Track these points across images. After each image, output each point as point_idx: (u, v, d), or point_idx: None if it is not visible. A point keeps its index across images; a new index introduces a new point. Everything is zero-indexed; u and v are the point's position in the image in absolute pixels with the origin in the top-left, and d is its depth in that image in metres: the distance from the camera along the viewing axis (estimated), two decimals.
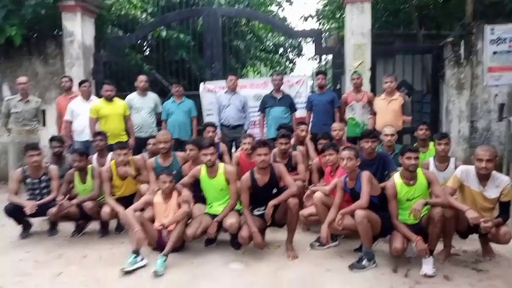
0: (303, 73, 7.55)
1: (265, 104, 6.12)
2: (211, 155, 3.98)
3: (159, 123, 6.22)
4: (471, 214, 3.31)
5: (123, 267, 3.54)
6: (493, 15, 7.03)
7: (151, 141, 5.16)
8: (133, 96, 6.03)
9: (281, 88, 6.15)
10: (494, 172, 3.53)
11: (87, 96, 5.91)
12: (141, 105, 5.98)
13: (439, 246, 3.65)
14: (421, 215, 3.47)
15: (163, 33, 8.30)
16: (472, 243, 3.92)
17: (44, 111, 6.89)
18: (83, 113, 5.71)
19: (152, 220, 4.05)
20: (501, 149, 6.33)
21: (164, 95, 7.19)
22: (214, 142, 4.49)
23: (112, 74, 7.54)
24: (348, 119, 5.97)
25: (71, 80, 6.32)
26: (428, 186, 3.59)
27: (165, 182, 3.96)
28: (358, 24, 6.70)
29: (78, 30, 7.11)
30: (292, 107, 6.12)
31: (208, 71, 7.30)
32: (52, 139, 5.01)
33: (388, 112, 5.46)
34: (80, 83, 5.99)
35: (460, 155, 6.48)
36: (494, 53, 6.62)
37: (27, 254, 4.06)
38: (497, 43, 6.62)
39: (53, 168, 4.64)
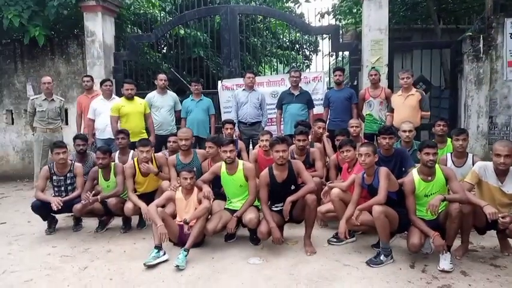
0: (320, 69, 7.53)
1: (283, 101, 6.17)
2: (230, 152, 4.06)
3: (178, 121, 6.35)
4: (489, 209, 3.33)
5: (146, 261, 3.66)
6: None
7: (171, 139, 5.27)
8: (153, 95, 6.16)
9: (299, 85, 6.19)
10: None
11: (108, 95, 6.06)
12: (161, 104, 6.10)
13: (457, 242, 3.67)
14: (439, 211, 3.49)
15: (181, 32, 8.41)
16: (490, 240, 3.93)
17: (66, 110, 7.07)
18: (104, 111, 5.85)
19: (174, 216, 4.18)
20: None
21: (182, 93, 7.31)
22: (233, 139, 4.58)
23: (131, 73, 7.71)
24: (366, 115, 5.99)
25: (92, 79, 6.48)
26: (446, 182, 3.60)
27: (186, 179, 4.06)
28: (376, 19, 6.68)
29: (99, 29, 7.27)
30: (310, 104, 6.15)
31: (226, 68, 7.38)
32: (76, 137, 5.16)
33: (405, 108, 5.44)
34: (102, 82, 6.15)
35: (479, 151, 6.44)
36: None
37: (53, 249, 4.21)
38: None
39: (78, 166, 4.79)
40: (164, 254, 3.79)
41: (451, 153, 4.34)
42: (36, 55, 7.70)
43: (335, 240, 4.10)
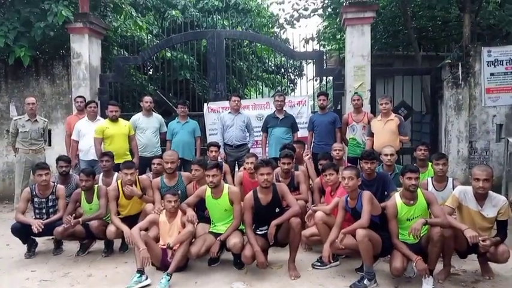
0: (304, 93, 7.65)
1: (268, 124, 6.24)
2: (213, 176, 4.02)
3: (163, 143, 6.34)
4: (470, 233, 3.39)
5: (127, 286, 3.61)
6: (490, 38, 7.21)
7: (155, 161, 5.26)
8: (138, 117, 6.16)
9: (283, 108, 6.27)
10: (490, 192, 3.62)
11: (93, 117, 6.03)
12: (146, 126, 6.10)
13: (439, 266, 3.71)
14: (421, 235, 3.54)
15: (168, 54, 8.49)
16: (472, 263, 3.98)
17: (49, 131, 7.00)
18: (89, 133, 5.81)
19: (157, 239, 4.13)
20: (500, 169, 6.43)
21: (168, 115, 7.33)
22: (218, 163, 4.60)
23: (117, 95, 7.70)
24: (349, 139, 6.08)
25: (85, 100, 6.43)
26: (428, 206, 3.67)
27: (170, 202, 4.04)
28: (358, 46, 6.87)
29: (86, 51, 7.29)
30: (294, 128, 6.22)
31: (212, 91, 7.45)
32: (59, 159, 5.08)
33: (385, 133, 5.55)
34: (86, 104, 6.12)
35: (459, 175, 6.57)
36: (492, 74, 6.78)
37: (32, 273, 4.11)
38: (494, 65, 6.78)
39: (60, 188, 4.73)
40: (146, 278, 3.74)
41: (432, 177, 4.43)
42: (20, 75, 7.65)
43: (319, 264, 4.10)
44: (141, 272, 3.73)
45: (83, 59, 7.29)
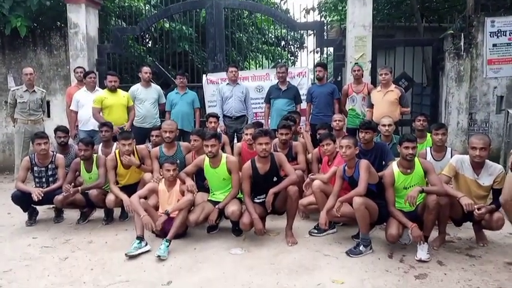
0: (305, 65, 7.58)
1: (270, 95, 6.20)
2: (212, 146, 4.04)
3: (162, 114, 6.32)
4: (465, 201, 3.43)
5: (127, 251, 3.66)
6: (493, 8, 7.07)
7: (154, 133, 5.26)
8: (137, 88, 6.12)
9: (286, 79, 6.22)
10: (487, 161, 3.63)
11: (92, 87, 6.00)
12: (145, 97, 6.06)
13: (434, 234, 3.76)
14: (417, 203, 3.57)
15: (166, 25, 8.37)
16: (466, 231, 4.04)
17: (48, 102, 6.98)
18: (87, 103, 5.79)
19: (156, 208, 4.18)
20: (499, 141, 6.44)
21: (167, 87, 7.28)
22: (217, 133, 4.60)
23: (115, 66, 7.64)
24: (349, 110, 6.06)
25: (84, 70, 6.39)
26: (425, 175, 3.69)
27: (168, 170, 4.06)
28: (360, 16, 6.74)
29: (83, 21, 7.17)
30: (297, 99, 6.15)
31: (211, 62, 7.38)
32: (57, 129, 5.08)
33: (384, 104, 5.52)
34: (85, 74, 6.08)
35: (458, 146, 6.57)
36: (494, 45, 6.68)
37: (34, 240, 4.18)
38: (497, 35, 6.67)
39: (60, 157, 4.75)
40: (146, 244, 3.80)
41: (431, 147, 4.44)
42: (17, 46, 7.57)
43: (316, 231, 4.16)
44: (140, 238, 3.79)
45: (80, 29, 7.19)
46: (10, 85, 7.43)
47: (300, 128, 5.57)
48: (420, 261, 3.43)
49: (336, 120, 5.27)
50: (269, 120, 6.23)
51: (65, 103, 6.65)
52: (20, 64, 7.49)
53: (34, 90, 6.18)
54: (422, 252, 3.49)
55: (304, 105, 6.38)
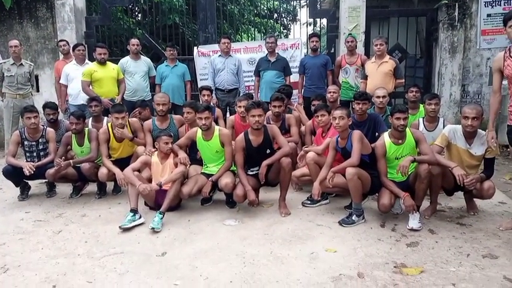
0: (298, 37, 7.47)
1: (259, 67, 6.13)
2: (205, 119, 4.01)
3: (152, 87, 6.24)
4: (458, 171, 3.44)
5: (121, 224, 3.66)
6: None
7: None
8: (126, 60, 6.00)
9: (275, 51, 6.13)
10: (479, 130, 3.64)
11: (81, 60, 5.88)
12: (135, 69, 5.96)
13: (426, 203, 3.80)
14: (409, 172, 3.59)
15: None
16: (457, 201, 4.10)
17: (36, 77, 6.85)
18: (77, 76, 5.69)
19: (149, 180, 4.16)
20: None
21: (157, 60, 7.17)
22: (210, 106, 4.56)
23: (104, 39, 7.48)
24: (342, 82, 6.02)
25: (68, 43, 6.26)
26: (417, 145, 3.70)
27: (167, 143, 4.05)
28: None
29: None
30: (286, 71, 6.10)
31: (202, 34, 7.25)
32: (45, 106, 4.97)
33: (378, 75, 5.48)
34: (74, 47, 5.95)
35: (450, 118, 6.60)
36: (489, 15, 6.63)
37: (26, 214, 4.17)
38: (491, 5, 6.62)
39: (50, 131, 4.68)
40: (140, 217, 3.80)
41: (423, 117, 4.44)
42: (3, 19, 7.37)
43: (309, 202, 4.18)
44: (134, 211, 3.78)
45: (67, 0, 6.99)
46: None
47: (292, 104, 5.49)
48: (412, 230, 3.47)
49: (330, 92, 5.23)
50: (259, 94, 6.18)
51: (54, 78, 6.52)
52: (6, 37, 7.31)
53: (22, 64, 6.05)
54: (414, 221, 3.52)
55: (295, 77, 6.32)
